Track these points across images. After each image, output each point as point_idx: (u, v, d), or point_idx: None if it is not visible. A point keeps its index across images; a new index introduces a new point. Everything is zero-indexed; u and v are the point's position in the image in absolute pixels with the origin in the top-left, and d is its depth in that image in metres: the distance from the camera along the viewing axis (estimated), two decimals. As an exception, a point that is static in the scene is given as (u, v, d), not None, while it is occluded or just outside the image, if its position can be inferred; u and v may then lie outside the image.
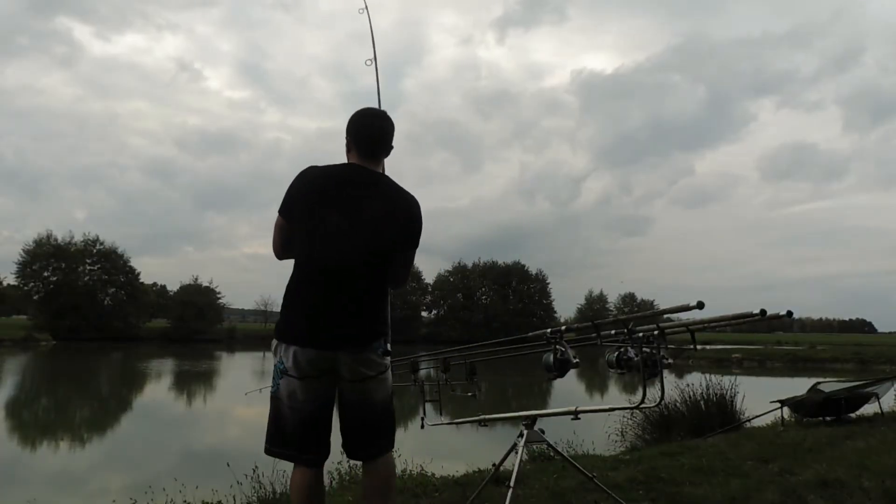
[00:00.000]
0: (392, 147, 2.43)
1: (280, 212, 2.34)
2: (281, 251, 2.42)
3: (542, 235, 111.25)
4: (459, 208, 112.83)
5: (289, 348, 2.22)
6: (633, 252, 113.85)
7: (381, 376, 2.29)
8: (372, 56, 3.26)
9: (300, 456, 2.25)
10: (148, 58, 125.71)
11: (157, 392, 21.14)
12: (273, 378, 2.28)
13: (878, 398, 7.54)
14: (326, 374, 2.23)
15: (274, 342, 2.27)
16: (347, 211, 2.24)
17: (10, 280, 59.83)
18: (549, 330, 2.93)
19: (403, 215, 2.34)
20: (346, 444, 2.34)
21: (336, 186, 2.28)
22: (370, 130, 2.39)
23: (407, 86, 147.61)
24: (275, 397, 2.27)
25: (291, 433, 2.23)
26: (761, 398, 8.36)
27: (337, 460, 5.41)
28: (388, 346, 2.37)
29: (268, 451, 2.30)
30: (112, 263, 57.55)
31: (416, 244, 2.40)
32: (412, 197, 2.40)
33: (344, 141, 2.42)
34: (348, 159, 2.41)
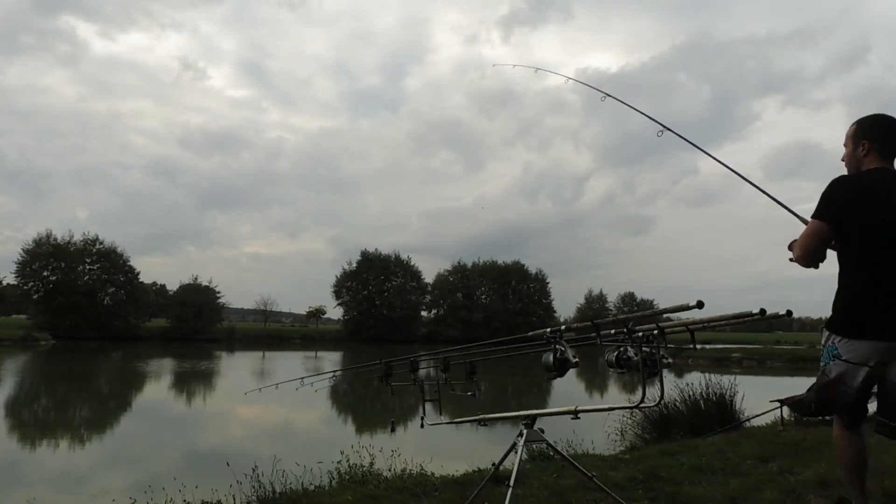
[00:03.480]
0: None
1: (820, 216, 2.61)
2: (812, 257, 2.69)
3: (545, 235, 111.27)
4: (462, 207, 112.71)
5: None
6: (636, 251, 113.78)
7: None
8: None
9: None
10: (151, 56, 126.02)
11: (157, 392, 21.13)
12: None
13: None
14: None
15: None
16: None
17: (10, 279, 59.93)
18: (548, 329, 2.93)
19: None
20: None
21: (883, 185, 2.57)
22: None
23: (410, 84, 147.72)
24: None
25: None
26: (761, 397, 8.36)
27: (336, 459, 5.45)
28: None
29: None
30: (111, 263, 57.61)
31: None
32: None
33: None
34: (864, 164, 2.69)
